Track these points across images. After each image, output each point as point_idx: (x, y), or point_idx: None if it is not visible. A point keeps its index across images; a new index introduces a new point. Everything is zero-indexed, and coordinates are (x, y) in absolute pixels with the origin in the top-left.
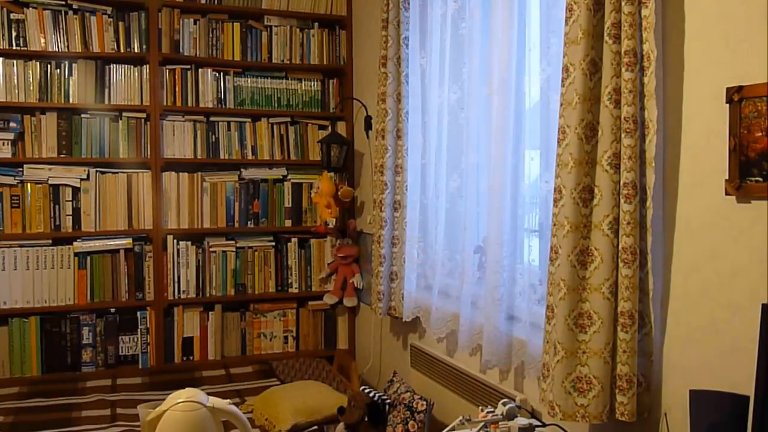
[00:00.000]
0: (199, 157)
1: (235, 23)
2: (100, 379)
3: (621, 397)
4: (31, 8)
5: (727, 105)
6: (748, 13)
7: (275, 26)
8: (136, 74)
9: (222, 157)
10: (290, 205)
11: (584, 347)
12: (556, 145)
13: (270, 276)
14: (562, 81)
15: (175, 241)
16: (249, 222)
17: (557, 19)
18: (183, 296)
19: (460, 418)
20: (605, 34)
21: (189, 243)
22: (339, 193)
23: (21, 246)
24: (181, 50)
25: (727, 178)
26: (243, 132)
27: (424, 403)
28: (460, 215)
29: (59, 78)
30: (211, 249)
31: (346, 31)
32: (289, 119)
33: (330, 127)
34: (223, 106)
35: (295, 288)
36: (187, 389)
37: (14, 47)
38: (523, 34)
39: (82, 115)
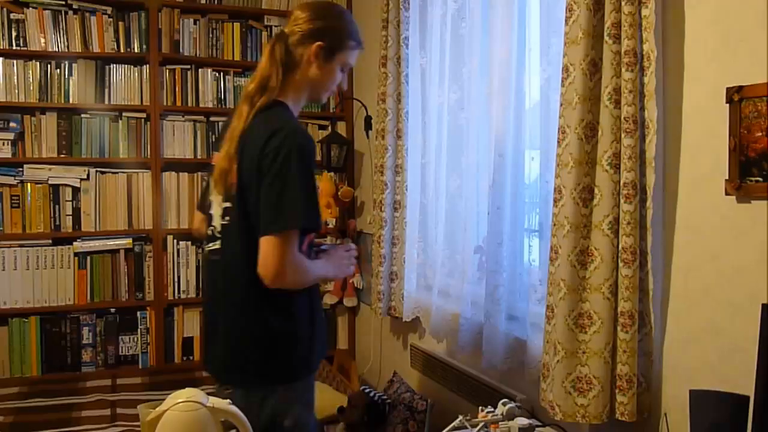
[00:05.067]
0: (199, 157)
1: (235, 23)
2: (100, 379)
3: (621, 397)
4: (31, 8)
5: (727, 105)
6: (748, 13)
7: (275, 26)
8: (136, 74)
9: None
10: None
11: (584, 347)
12: (556, 145)
13: None
14: (562, 81)
15: (175, 241)
16: None
17: (557, 19)
18: (183, 296)
19: (460, 418)
20: (605, 34)
21: (189, 243)
22: (339, 193)
23: (21, 246)
24: (181, 50)
25: (727, 178)
26: None
27: (424, 403)
28: (460, 215)
29: (59, 78)
30: None
31: None
32: None
33: (330, 127)
34: (223, 106)
35: None
36: (187, 389)
37: (14, 47)
38: (523, 34)
39: (82, 115)
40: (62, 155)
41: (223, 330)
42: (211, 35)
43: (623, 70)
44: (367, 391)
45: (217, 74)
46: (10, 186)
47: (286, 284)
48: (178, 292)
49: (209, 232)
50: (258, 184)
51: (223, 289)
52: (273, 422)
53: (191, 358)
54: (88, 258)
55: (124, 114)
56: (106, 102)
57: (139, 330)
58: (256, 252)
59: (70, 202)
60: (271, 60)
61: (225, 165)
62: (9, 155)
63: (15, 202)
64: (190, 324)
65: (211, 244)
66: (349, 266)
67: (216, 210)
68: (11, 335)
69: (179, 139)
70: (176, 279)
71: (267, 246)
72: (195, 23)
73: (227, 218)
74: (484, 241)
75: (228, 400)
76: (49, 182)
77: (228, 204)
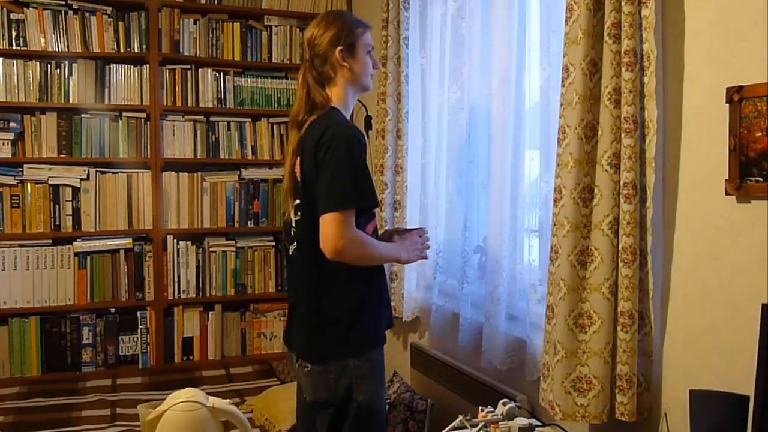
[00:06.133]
0: (199, 157)
1: (235, 23)
2: (100, 379)
3: (621, 397)
4: (31, 8)
5: (727, 105)
6: (748, 13)
7: (275, 26)
8: (136, 74)
9: (222, 157)
10: None
11: (584, 347)
12: (556, 145)
13: (270, 276)
14: (562, 81)
15: (175, 241)
16: (249, 222)
17: (557, 19)
18: (183, 296)
19: (460, 418)
20: (605, 34)
21: (189, 243)
22: None
23: (21, 246)
24: (181, 50)
25: (727, 178)
26: (243, 132)
27: (424, 403)
28: (460, 215)
29: (59, 78)
30: (211, 249)
31: None
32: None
33: None
34: (223, 106)
35: None
36: (187, 389)
37: (14, 47)
38: (523, 34)
39: (82, 115)
40: (62, 155)
41: (300, 311)
42: (211, 35)
43: (623, 70)
44: None
45: (217, 74)
46: (10, 186)
47: (346, 257)
48: (178, 292)
49: (292, 233)
50: (317, 175)
51: (300, 275)
52: (348, 397)
53: (191, 358)
54: (88, 258)
55: (124, 114)
56: (106, 102)
57: (139, 330)
58: None
59: (70, 202)
60: (305, 84)
61: (289, 175)
62: (9, 155)
63: (15, 202)
64: (189, 324)
65: (293, 245)
66: (423, 251)
67: (293, 213)
68: (11, 335)
69: (179, 139)
70: (176, 279)
71: (325, 223)
72: (195, 23)
73: (299, 213)
74: (484, 241)
75: (228, 400)
76: (49, 182)
77: (298, 201)
